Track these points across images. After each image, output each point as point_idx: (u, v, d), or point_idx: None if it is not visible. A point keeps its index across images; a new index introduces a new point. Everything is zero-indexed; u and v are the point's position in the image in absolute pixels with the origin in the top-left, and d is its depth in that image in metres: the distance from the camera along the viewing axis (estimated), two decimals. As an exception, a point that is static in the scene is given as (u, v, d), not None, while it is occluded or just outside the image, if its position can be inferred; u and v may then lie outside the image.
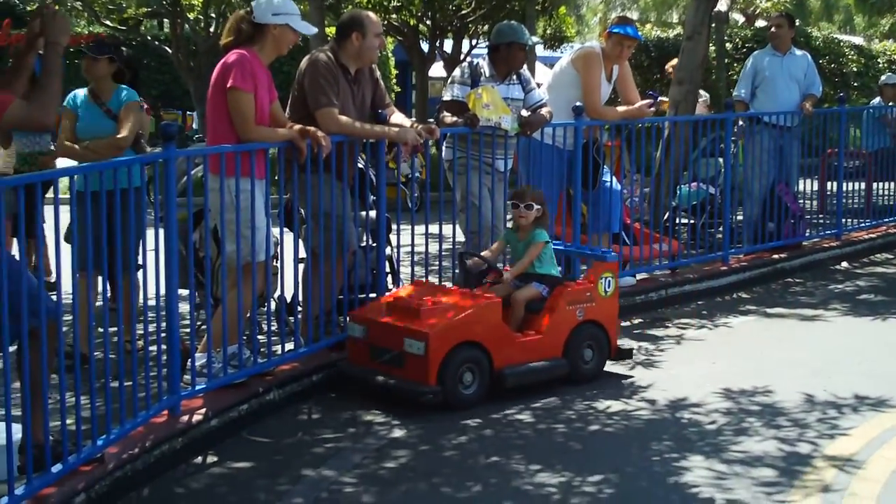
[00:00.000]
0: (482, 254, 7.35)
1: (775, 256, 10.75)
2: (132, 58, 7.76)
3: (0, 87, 4.82)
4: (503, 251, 7.57)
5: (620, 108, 9.11)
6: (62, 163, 7.64)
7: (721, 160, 10.77)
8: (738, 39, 26.42)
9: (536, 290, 7.00)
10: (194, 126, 28.59)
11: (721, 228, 10.50)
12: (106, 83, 7.09)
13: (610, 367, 7.36)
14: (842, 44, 28.49)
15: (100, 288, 6.73)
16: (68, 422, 4.92)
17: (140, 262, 5.76)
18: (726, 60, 24.07)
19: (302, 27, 6.62)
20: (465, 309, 6.56)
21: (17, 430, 4.75)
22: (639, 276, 9.48)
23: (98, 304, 5.62)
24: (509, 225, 7.74)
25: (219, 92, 6.33)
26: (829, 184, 13.17)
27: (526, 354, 6.72)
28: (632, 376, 7.19)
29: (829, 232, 11.85)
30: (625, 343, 7.45)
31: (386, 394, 6.54)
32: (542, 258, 7.13)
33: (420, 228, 7.73)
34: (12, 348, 4.56)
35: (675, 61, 11.69)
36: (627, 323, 8.75)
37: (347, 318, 6.93)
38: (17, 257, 4.98)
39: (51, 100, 4.62)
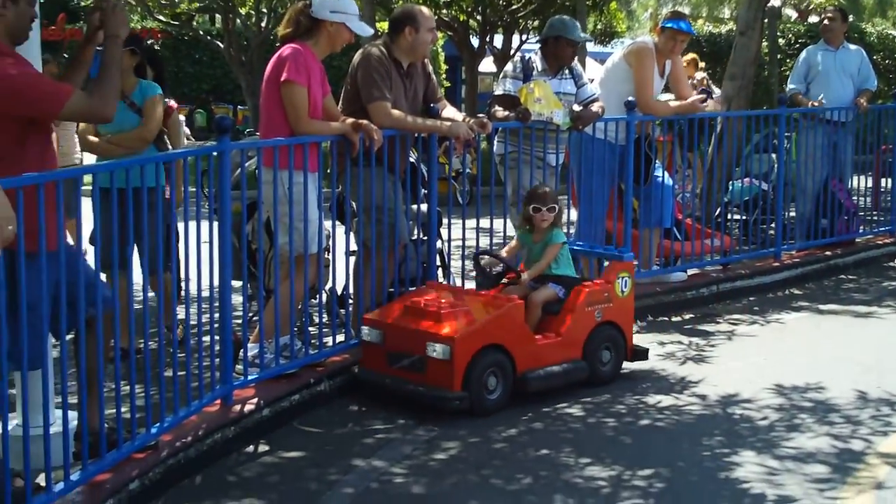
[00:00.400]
0: (499, 253, 7.24)
1: (828, 253, 10.66)
2: (155, 55, 7.75)
3: (60, 80, 4.88)
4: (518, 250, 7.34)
5: (673, 103, 9.07)
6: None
7: (774, 156, 10.70)
8: (790, 35, 26.25)
9: (553, 291, 6.87)
10: (246, 120, 28.71)
11: (773, 224, 10.43)
12: (128, 76, 7.01)
13: (659, 362, 7.36)
14: (896, 39, 28.21)
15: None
16: (123, 410, 4.97)
17: (171, 262, 5.74)
18: (779, 56, 23.90)
19: (357, 28, 6.64)
20: (489, 311, 6.42)
21: (73, 417, 4.82)
22: (690, 272, 9.44)
23: (151, 294, 5.68)
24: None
25: (273, 85, 6.38)
26: (883, 180, 13.05)
27: (546, 357, 6.56)
28: (683, 372, 7.16)
29: (882, 229, 11.73)
30: (640, 343, 7.27)
31: (406, 400, 6.37)
32: (559, 259, 7.02)
33: (471, 223, 7.72)
34: (69, 337, 4.62)
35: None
36: (678, 318, 8.73)
37: (361, 323, 6.75)
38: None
39: (111, 92, 4.66)
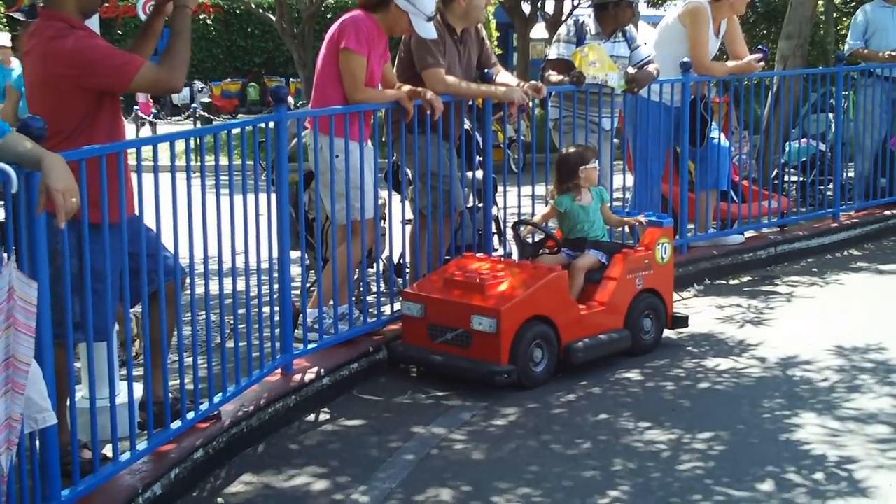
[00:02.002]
0: (537, 221, 7.17)
1: (887, 213, 10.53)
2: None
3: (129, 51, 4.93)
4: (552, 218, 7.25)
5: (729, 63, 8.98)
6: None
7: (831, 115, 10.57)
8: (847, -7, 25.83)
9: (595, 257, 6.75)
10: (298, 93, 28.77)
11: (831, 185, 10.32)
12: None
13: (717, 325, 7.33)
14: None
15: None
16: (186, 381, 5.04)
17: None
18: (835, 15, 23.54)
19: (419, 27, 6.59)
20: (533, 282, 6.26)
21: (137, 388, 4.90)
22: (747, 234, 9.37)
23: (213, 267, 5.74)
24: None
25: (332, 51, 6.40)
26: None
27: (590, 327, 6.46)
28: (742, 335, 7.13)
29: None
30: (680, 311, 7.19)
31: (450, 375, 6.30)
32: (597, 222, 6.94)
33: (526, 189, 7.72)
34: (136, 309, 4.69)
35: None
36: (736, 281, 8.68)
37: (401, 297, 6.72)
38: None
39: (180, 62, 4.69)
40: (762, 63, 9.00)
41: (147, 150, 4.78)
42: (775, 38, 12.08)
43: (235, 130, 5.97)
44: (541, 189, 7.90)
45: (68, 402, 4.36)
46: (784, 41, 11.90)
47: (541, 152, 8.11)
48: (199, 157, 5.10)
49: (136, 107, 21.86)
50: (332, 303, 6.39)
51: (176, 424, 4.93)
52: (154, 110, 27.15)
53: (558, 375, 6.30)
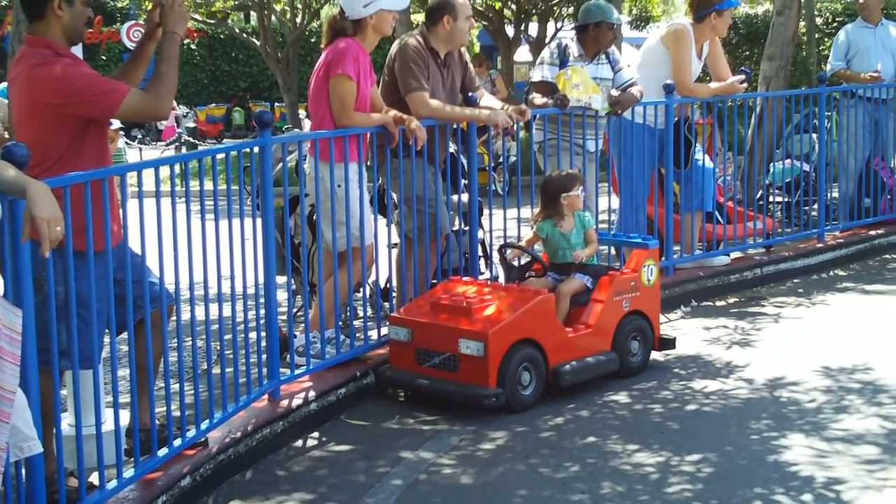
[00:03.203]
0: (523, 245, 7.14)
1: (872, 232, 10.58)
2: None
3: (117, 77, 4.93)
4: (537, 242, 7.19)
5: (712, 85, 9.01)
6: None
7: (815, 136, 10.62)
8: (828, 14, 25.99)
9: (581, 281, 6.73)
10: (283, 117, 28.79)
11: (816, 205, 10.36)
12: None
13: (705, 347, 7.33)
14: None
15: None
16: (173, 407, 5.02)
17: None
18: (817, 35, 23.68)
19: (394, 4, 6.65)
20: (520, 305, 6.25)
21: (124, 415, 4.87)
22: (733, 255, 9.39)
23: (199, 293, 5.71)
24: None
25: (323, 80, 6.43)
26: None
27: (577, 350, 6.44)
28: (729, 356, 7.13)
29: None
30: (667, 333, 7.16)
31: (438, 399, 6.27)
32: (579, 248, 6.89)
33: (512, 212, 7.73)
34: (120, 337, 4.67)
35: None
36: (723, 303, 8.69)
37: (388, 322, 6.66)
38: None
39: (167, 89, 4.67)
40: (745, 84, 9.04)
41: (132, 176, 4.77)
42: (758, 60, 12.15)
43: (220, 156, 5.96)
44: (526, 212, 7.90)
45: (54, 430, 4.33)
46: (766, 62, 11.95)
47: (526, 175, 8.11)
48: (184, 183, 5.08)
49: (122, 132, 21.79)
50: (319, 328, 6.38)
51: (163, 451, 4.91)
52: (140, 135, 27.14)
53: (546, 398, 6.29)
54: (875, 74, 10.50)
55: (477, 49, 32.35)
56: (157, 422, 4.91)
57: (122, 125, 11.97)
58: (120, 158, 9.51)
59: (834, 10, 26.33)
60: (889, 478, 5.05)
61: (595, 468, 5.31)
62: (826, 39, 22.97)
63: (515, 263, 7.09)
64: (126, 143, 19.66)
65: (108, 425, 4.84)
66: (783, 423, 5.83)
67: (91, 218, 4.36)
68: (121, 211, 4.79)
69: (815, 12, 24.45)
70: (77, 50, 4.84)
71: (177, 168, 5.08)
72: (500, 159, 15.03)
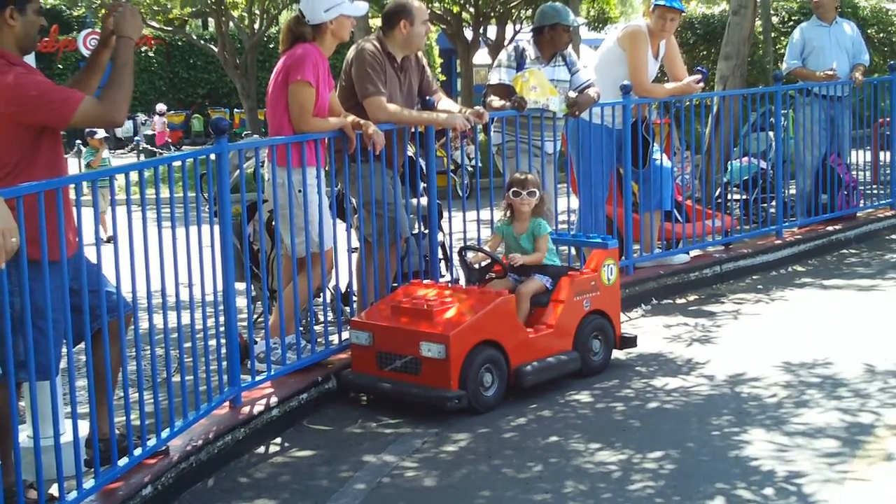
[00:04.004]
0: (483, 247, 7.15)
1: (830, 228, 10.67)
2: None
3: (73, 85, 4.89)
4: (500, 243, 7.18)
5: (669, 85, 9.06)
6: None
7: (771, 134, 10.70)
8: (784, 13, 26.18)
9: (540, 282, 6.75)
10: (243, 123, 28.72)
11: (774, 202, 10.43)
12: None
13: (665, 344, 7.37)
14: (890, 13, 28.08)
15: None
16: (132, 417, 4.99)
17: None
18: (773, 34, 23.85)
19: (354, 10, 6.66)
20: (480, 307, 6.27)
21: (83, 426, 4.84)
22: (693, 253, 9.44)
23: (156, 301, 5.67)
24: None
25: (282, 86, 6.41)
26: (881, 153, 13.05)
27: (539, 350, 6.46)
28: (690, 353, 7.17)
29: (883, 202, 11.72)
30: (628, 332, 7.20)
31: (400, 402, 6.28)
32: (530, 251, 6.89)
33: (471, 215, 7.73)
34: (77, 347, 4.64)
35: None
36: (683, 300, 8.74)
37: (349, 326, 6.65)
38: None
39: (123, 96, 4.64)
40: (701, 84, 9.09)
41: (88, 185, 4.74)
42: (715, 59, 12.22)
43: (176, 163, 5.94)
44: (486, 214, 7.92)
45: (12, 443, 4.29)
46: (723, 62, 12.04)
47: (485, 177, 8.13)
48: (140, 191, 5.05)
49: (77, 141, 21.61)
50: (279, 334, 6.36)
51: (123, 461, 4.87)
52: (138, 139, 26.92)
53: (508, 399, 6.30)
54: (830, 72, 10.59)
55: (437, 52, 32.38)
56: (116, 431, 4.89)
57: (106, 133, 11.85)
58: (106, 167, 9.51)
59: (790, 9, 26.53)
60: (849, 470, 5.09)
61: (558, 468, 5.33)
62: (782, 38, 23.13)
63: (476, 266, 7.09)
64: (80, 150, 19.56)
65: (67, 436, 4.80)
66: (744, 419, 5.86)
67: (45, 228, 4.33)
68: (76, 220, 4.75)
69: (771, 11, 24.65)
70: (30, 59, 4.81)
71: (133, 176, 5.04)
72: (460, 162, 15.04)
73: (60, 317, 4.52)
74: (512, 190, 6.95)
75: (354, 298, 7.26)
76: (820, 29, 10.92)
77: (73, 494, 4.54)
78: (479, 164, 8.69)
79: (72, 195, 4.83)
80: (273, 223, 6.63)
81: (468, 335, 6.14)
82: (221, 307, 5.83)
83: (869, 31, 22.71)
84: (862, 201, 11.43)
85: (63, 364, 4.74)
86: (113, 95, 4.63)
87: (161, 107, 32.89)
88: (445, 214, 7.77)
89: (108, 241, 5.82)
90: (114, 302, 4.87)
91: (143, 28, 27.77)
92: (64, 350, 4.68)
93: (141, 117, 33.26)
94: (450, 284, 7.30)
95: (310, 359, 6.51)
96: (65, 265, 4.47)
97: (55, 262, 4.44)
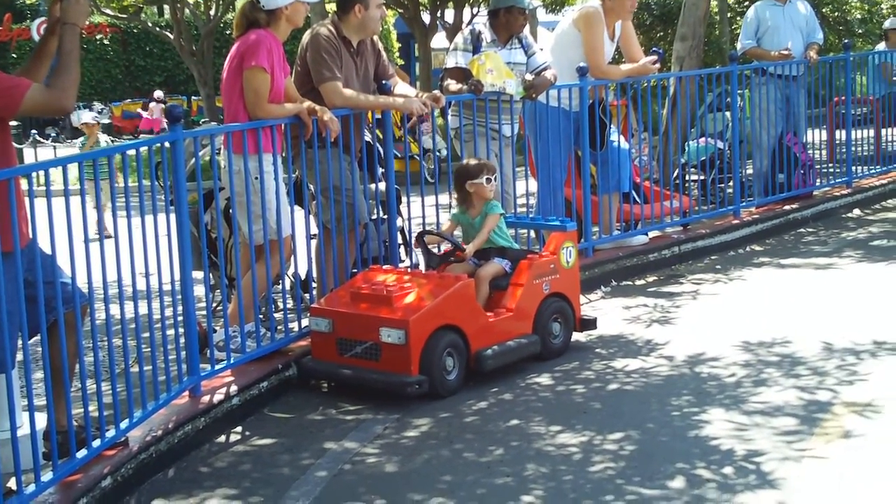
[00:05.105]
0: (442, 231, 7.13)
1: (787, 207, 10.74)
2: None
3: (21, 73, 4.84)
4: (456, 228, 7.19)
5: (625, 67, 9.07)
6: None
7: (728, 114, 10.75)
8: (740, -7, 26.27)
9: (499, 265, 6.74)
10: (200, 111, 28.59)
11: (731, 182, 10.49)
12: None
13: (626, 326, 7.40)
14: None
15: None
16: (91, 408, 4.95)
17: None
18: (729, 14, 23.93)
19: None
20: (440, 292, 6.26)
21: (40, 418, 4.79)
22: (651, 234, 9.48)
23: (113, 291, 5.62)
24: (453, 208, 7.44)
25: (236, 72, 6.36)
26: (837, 132, 13.14)
27: (498, 334, 6.46)
28: (649, 334, 7.20)
29: (839, 180, 11.81)
30: (588, 314, 7.24)
31: (361, 388, 6.27)
32: (499, 231, 6.91)
33: (430, 199, 7.73)
34: (34, 339, 4.60)
35: None
36: (642, 282, 8.77)
37: (309, 313, 6.63)
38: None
39: (70, 83, 4.59)
40: (657, 65, 9.11)
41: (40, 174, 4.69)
42: (671, 41, 12.25)
43: (131, 152, 5.88)
44: (444, 198, 7.91)
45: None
46: (679, 42, 12.08)
47: (443, 161, 8.12)
48: (94, 180, 5.01)
49: (33, 130, 21.43)
50: (238, 322, 6.33)
51: (82, 453, 4.83)
52: (54, 133, 26.75)
53: (469, 383, 6.30)
54: (785, 52, 10.65)
55: (394, 37, 32.29)
56: (74, 423, 4.84)
57: (95, 120, 11.66)
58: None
59: (745, -11, 26.64)
60: (807, 448, 5.13)
61: (519, 451, 5.34)
62: (738, 18, 23.18)
63: (435, 250, 7.08)
64: (37, 140, 19.35)
65: (24, 429, 4.75)
66: (703, 399, 5.90)
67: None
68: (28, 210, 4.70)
69: (727, -9, 24.72)
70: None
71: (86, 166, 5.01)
72: (431, 148, 15.04)
73: (15, 308, 4.48)
74: (469, 181, 6.88)
75: (314, 285, 7.24)
76: (774, 8, 10.97)
77: (32, 487, 4.50)
78: (450, 150, 8.69)
79: (23, 185, 4.77)
80: (230, 211, 6.59)
81: (427, 320, 6.13)
82: (179, 296, 5.79)
83: (824, 11, 22.79)
84: (818, 180, 11.51)
85: (19, 356, 4.70)
86: (60, 83, 4.59)
87: (158, 93, 32.74)
88: (404, 199, 7.76)
89: (109, 237, 5.73)
90: (69, 293, 4.83)
91: (94, 15, 27.67)
92: (19, 342, 4.64)
93: (98, 106, 32.99)
94: (409, 270, 7.28)
95: (270, 346, 6.48)
96: (18, 256, 4.42)
97: (8, 253, 4.40)
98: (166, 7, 29.23)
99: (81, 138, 15.74)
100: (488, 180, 6.87)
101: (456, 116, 8.20)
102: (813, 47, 10.90)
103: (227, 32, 31.73)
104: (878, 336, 6.80)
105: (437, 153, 15.00)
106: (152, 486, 5.18)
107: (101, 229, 7.58)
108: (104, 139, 14.31)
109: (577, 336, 7.03)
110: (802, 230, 10.60)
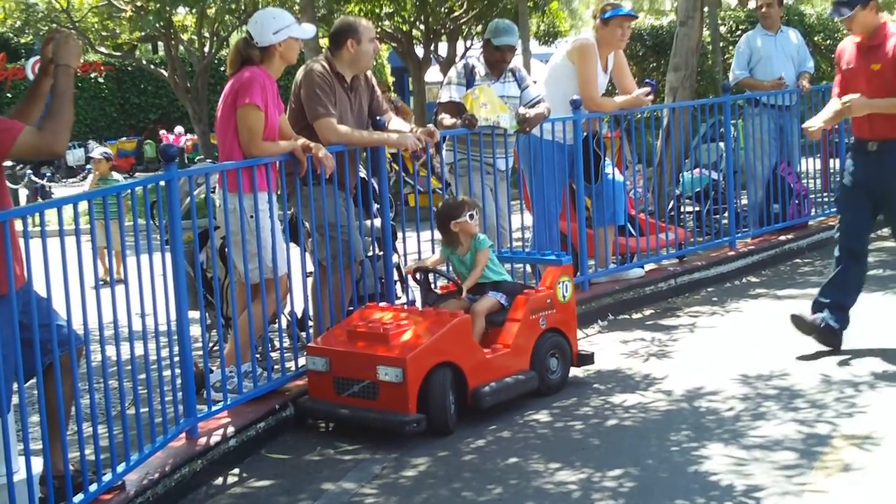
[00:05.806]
0: (437, 266, 7.11)
1: (782, 238, 10.75)
2: None
3: (15, 114, 4.83)
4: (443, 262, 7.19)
5: (618, 98, 9.09)
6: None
7: (722, 144, 10.76)
8: (731, 22, 26.35)
9: (495, 299, 6.73)
10: (196, 148, 28.61)
11: (726, 213, 10.49)
12: None
13: (623, 360, 7.37)
14: (835, 20, 28.29)
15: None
16: (87, 452, 4.92)
17: None
18: (721, 44, 24.02)
19: (303, 33, 6.66)
20: (437, 329, 6.22)
21: (36, 463, 4.76)
22: (647, 267, 9.47)
23: (108, 333, 5.61)
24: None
25: (230, 109, 6.37)
26: (831, 161, 13.14)
27: (496, 370, 6.42)
28: (647, 369, 7.18)
29: (834, 210, 11.72)
30: (585, 349, 7.21)
31: (359, 427, 6.23)
32: (492, 264, 6.89)
33: (425, 235, 7.71)
34: (30, 383, 4.57)
35: None
36: (639, 315, 8.75)
37: (305, 352, 6.61)
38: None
39: (63, 126, 4.58)
40: (650, 96, 9.12)
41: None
42: (664, 71, 12.28)
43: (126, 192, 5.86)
44: (439, 234, 7.88)
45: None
46: (672, 73, 12.10)
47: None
48: (90, 221, 5.00)
49: (29, 172, 21.39)
50: (235, 362, 6.30)
51: (79, 498, 4.80)
52: (49, 172, 26.72)
53: (467, 420, 6.27)
54: (779, 81, 10.68)
55: (388, 71, 32.39)
56: (71, 467, 4.81)
57: (105, 156, 11.58)
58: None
59: (737, 18, 26.71)
60: (807, 482, 5.10)
61: (517, 489, 5.30)
62: (731, 48, 23.25)
63: (433, 287, 7.06)
64: (32, 180, 19.33)
65: (20, 474, 4.73)
66: (702, 433, 5.87)
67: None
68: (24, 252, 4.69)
69: (719, 21, 24.79)
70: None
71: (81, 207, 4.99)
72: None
73: (10, 352, 4.46)
74: (465, 215, 6.86)
75: (310, 323, 7.22)
76: (765, 38, 11.01)
77: (28, 533, 4.47)
78: (429, 179, 8.69)
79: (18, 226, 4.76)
80: (226, 249, 6.57)
81: (425, 358, 6.10)
82: (175, 337, 5.77)
83: (815, 39, 22.90)
84: (813, 210, 11.53)
85: (15, 400, 4.68)
86: (53, 125, 4.57)
87: (178, 129, 32.82)
88: (399, 235, 7.75)
89: (120, 282, 5.71)
90: (65, 335, 4.81)
91: (89, 53, 27.72)
92: (15, 386, 4.62)
93: (92, 144, 33.03)
94: (406, 307, 7.26)
95: (267, 386, 6.45)
96: (13, 299, 4.40)
97: (3, 297, 4.38)
98: (161, 44, 29.27)
99: (89, 176, 15.71)
100: (471, 216, 6.87)
101: (450, 151, 8.21)
102: (805, 76, 10.94)
103: (222, 69, 31.77)
104: (876, 367, 6.79)
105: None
106: (149, 530, 5.15)
107: (113, 273, 7.56)
108: (119, 176, 14.23)
109: (574, 371, 7.01)
110: (798, 260, 10.59)
